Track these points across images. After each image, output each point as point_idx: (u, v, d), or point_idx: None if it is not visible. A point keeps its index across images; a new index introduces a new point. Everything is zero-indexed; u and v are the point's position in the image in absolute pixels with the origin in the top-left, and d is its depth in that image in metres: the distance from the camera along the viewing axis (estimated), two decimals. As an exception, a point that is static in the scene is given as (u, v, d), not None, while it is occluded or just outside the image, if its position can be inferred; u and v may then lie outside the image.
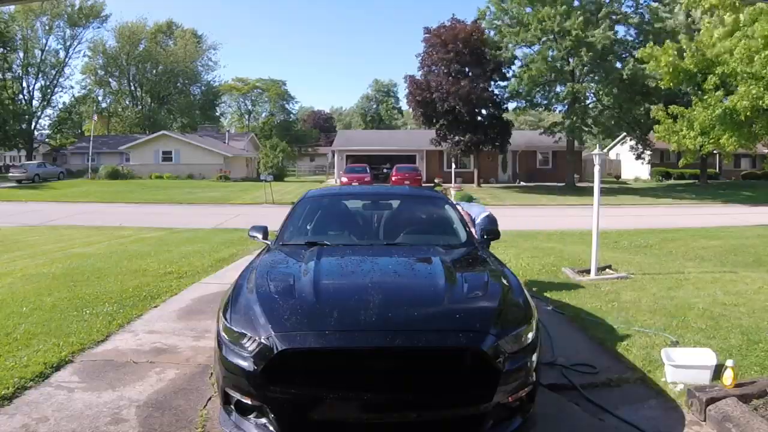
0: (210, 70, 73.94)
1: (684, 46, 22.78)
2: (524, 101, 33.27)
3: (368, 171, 34.02)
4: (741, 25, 20.30)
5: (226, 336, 3.09)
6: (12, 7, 45.70)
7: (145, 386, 3.98)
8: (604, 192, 10.98)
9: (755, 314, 5.63)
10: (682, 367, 4.00)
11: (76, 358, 4.50)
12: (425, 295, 3.35)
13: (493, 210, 7.15)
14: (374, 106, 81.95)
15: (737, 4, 15.61)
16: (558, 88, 32.41)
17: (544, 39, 30.06)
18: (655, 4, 31.41)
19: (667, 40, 23.95)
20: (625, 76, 28.53)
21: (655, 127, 26.35)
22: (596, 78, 30.69)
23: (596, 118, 30.66)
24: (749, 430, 3.14)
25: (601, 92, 29.74)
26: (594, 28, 28.99)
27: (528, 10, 30.60)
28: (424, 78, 32.49)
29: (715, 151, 30.72)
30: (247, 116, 79.59)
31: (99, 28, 58.13)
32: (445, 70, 31.77)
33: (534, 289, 7.09)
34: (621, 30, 31.67)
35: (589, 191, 21.38)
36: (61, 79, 54.29)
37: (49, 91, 52.83)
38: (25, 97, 51.65)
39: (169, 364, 4.41)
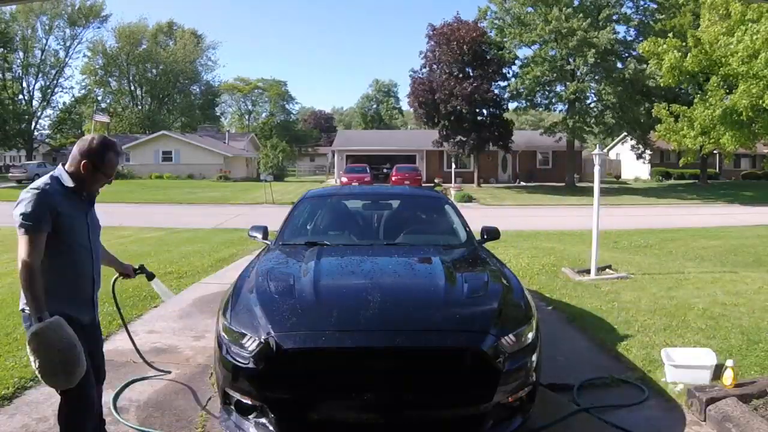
0: (209, 69, 74.08)
1: (690, 43, 22.77)
2: (525, 101, 33.30)
3: (368, 171, 34.02)
4: (746, 18, 20.35)
5: (226, 336, 3.09)
6: (13, 7, 45.72)
7: (145, 386, 3.98)
8: (603, 192, 10.97)
9: (755, 314, 5.63)
10: (682, 367, 4.00)
11: (76, 358, 4.49)
12: (425, 295, 3.35)
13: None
14: (374, 106, 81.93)
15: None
16: (558, 88, 32.44)
17: (545, 39, 30.07)
18: (655, 6, 31.48)
19: (670, 36, 23.93)
20: (627, 77, 28.55)
21: (656, 126, 26.42)
22: (597, 78, 30.72)
23: (597, 117, 30.68)
24: (749, 430, 3.14)
25: (602, 92, 29.75)
26: (595, 29, 29.01)
27: (529, 9, 30.61)
28: (428, 78, 32.51)
29: (715, 151, 30.79)
30: (247, 116, 79.65)
31: (99, 28, 58.20)
32: (448, 71, 31.78)
33: (534, 289, 7.09)
34: (621, 30, 31.78)
35: (588, 191, 21.40)
36: (61, 80, 54.42)
37: (49, 91, 52.87)
38: (25, 97, 51.70)
39: (169, 364, 4.41)
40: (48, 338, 2.33)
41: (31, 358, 2.36)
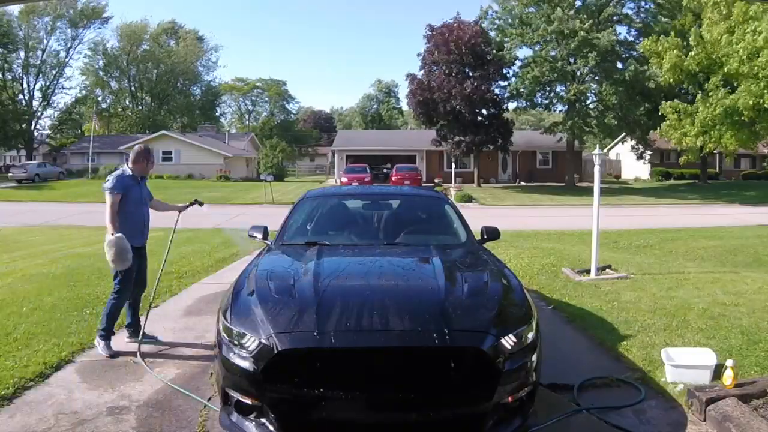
0: (210, 70, 73.91)
1: (692, 42, 22.78)
2: (525, 101, 33.29)
3: (368, 171, 34.01)
4: (748, 17, 20.36)
5: (226, 336, 3.09)
6: (14, 8, 45.72)
7: (145, 386, 3.98)
8: (603, 192, 10.97)
9: (755, 314, 5.63)
10: (682, 367, 3.99)
11: (76, 358, 4.50)
12: (425, 295, 3.34)
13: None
14: (374, 106, 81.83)
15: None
16: (558, 88, 32.43)
17: (547, 38, 30.06)
18: (655, 8, 31.49)
19: (672, 34, 23.96)
20: (627, 78, 28.55)
21: (662, 124, 26.50)
22: (597, 78, 30.72)
23: (597, 118, 30.69)
24: (749, 430, 3.14)
25: (603, 92, 29.75)
26: (597, 30, 28.99)
27: (531, 9, 30.59)
28: (426, 78, 32.48)
29: (716, 151, 30.83)
30: (247, 116, 79.57)
31: (100, 28, 58.07)
32: (447, 71, 31.76)
33: (534, 288, 7.09)
34: (623, 30, 31.78)
35: (588, 191, 21.39)
36: (61, 80, 54.37)
37: (49, 91, 52.84)
38: (25, 98, 51.67)
39: (169, 364, 4.41)
40: (118, 241, 4.42)
41: (108, 253, 4.41)
